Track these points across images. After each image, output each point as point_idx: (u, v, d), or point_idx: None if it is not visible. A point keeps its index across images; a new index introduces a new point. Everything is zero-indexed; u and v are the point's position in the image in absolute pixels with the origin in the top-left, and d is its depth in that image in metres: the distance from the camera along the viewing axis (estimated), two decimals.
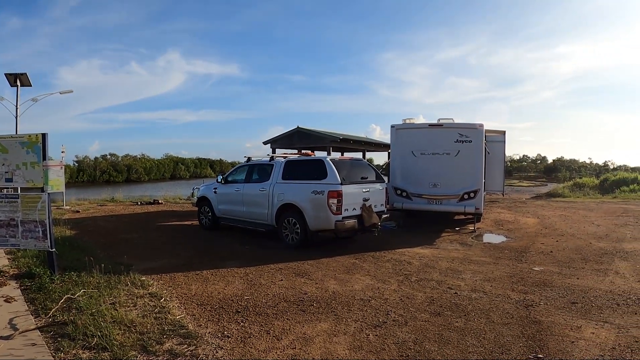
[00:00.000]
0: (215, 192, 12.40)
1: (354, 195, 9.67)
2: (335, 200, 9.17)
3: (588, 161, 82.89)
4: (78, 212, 16.49)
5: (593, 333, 5.07)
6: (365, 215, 9.72)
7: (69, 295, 6.04)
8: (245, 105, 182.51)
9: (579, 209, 18.03)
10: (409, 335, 5.03)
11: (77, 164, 74.14)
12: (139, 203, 19.88)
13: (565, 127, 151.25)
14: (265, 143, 20.30)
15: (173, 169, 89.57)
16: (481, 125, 12.08)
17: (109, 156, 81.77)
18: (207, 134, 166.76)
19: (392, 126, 13.04)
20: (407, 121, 13.09)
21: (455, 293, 6.62)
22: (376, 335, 5.04)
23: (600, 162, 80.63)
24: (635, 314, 5.72)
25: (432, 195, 12.41)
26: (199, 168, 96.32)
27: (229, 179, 12.19)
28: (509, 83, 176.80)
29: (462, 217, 14.03)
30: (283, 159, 10.82)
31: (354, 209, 9.65)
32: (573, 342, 4.82)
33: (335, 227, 9.27)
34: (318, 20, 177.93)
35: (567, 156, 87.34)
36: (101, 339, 4.66)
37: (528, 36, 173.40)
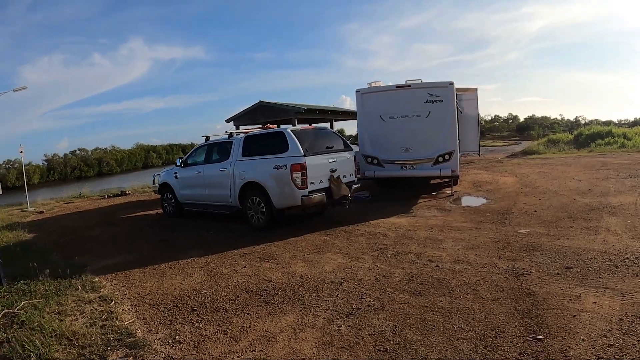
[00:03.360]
0: (176, 176, 11.54)
1: (320, 166, 8.86)
2: (299, 174, 8.37)
3: (559, 118, 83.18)
4: (42, 212, 15.52)
5: (595, 303, 4.42)
6: (334, 187, 8.94)
7: (7, 310, 5.29)
8: (211, 87, 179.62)
9: (557, 164, 17.62)
10: (386, 322, 4.32)
11: (46, 163, 72.19)
12: (105, 196, 18.85)
13: (533, 86, 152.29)
14: (227, 121, 19.35)
15: (145, 158, 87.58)
16: (451, 84, 11.29)
17: (78, 152, 79.51)
18: (176, 120, 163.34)
19: (357, 91, 12.15)
20: (373, 85, 12.19)
21: (437, 266, 5.92)
22: (349, 326, 4.31)
23: (572, 118, 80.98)
24: (637, 275, 5.07)
25: (404, 160, 11.66)
26: (171, 154, 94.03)
27: (189, 161, 11.32)
28: (475, 46, 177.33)
29: (438, 181, 13.39)
30: (242, 135, 9.98)
31: (321, 181, 8.86)
32: (574, 315, 4.17)
33: (302, 203, 8.48)
34: None
35: (538, 114, 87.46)
36: (39, 358, 4.01)
37: None
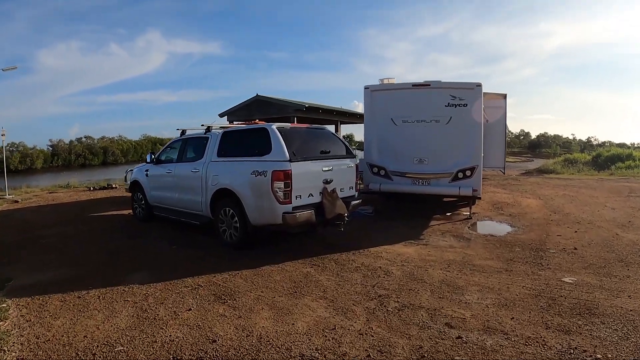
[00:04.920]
0: (147, 174, 9.86)
1: (311, 175, 7.04)
2: (281, 184, 6.53)
3: (571, 137, 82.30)
4: (17, 202, 14.44)
5: None
6: (327, 204, 7.09)
7: None
8: (225, 83, 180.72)
9: (580, 187, 15.95)
10: None
11: (51, 149, 72.89)
12: (91, 188, 17.84)
13: (546, 103, 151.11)
14: (221, 115, 17.65)
15: (151, 150, 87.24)
16: (479, 85, 9.38)
17: (84, 139, 79.95)
18: (188, 114, 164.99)
19: (366, 87, 10.27)
20: (385, 81, 10.27)
21: (459, 337, 4.04)
22: None
23: (584, 138, 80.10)
24: None
25: (417, 173, 9.78)
26: None
27: (162, 157, 9.63)
28: (491, 60, 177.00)
29: (453, 198, 11.54)
30: (220, 130, 8.21)
31: (311, 195, 7.01)
32: None
33: (284, 222, 6.61)
34: None
35: (550, 132, 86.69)
36: None
37: (510, 13, 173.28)
